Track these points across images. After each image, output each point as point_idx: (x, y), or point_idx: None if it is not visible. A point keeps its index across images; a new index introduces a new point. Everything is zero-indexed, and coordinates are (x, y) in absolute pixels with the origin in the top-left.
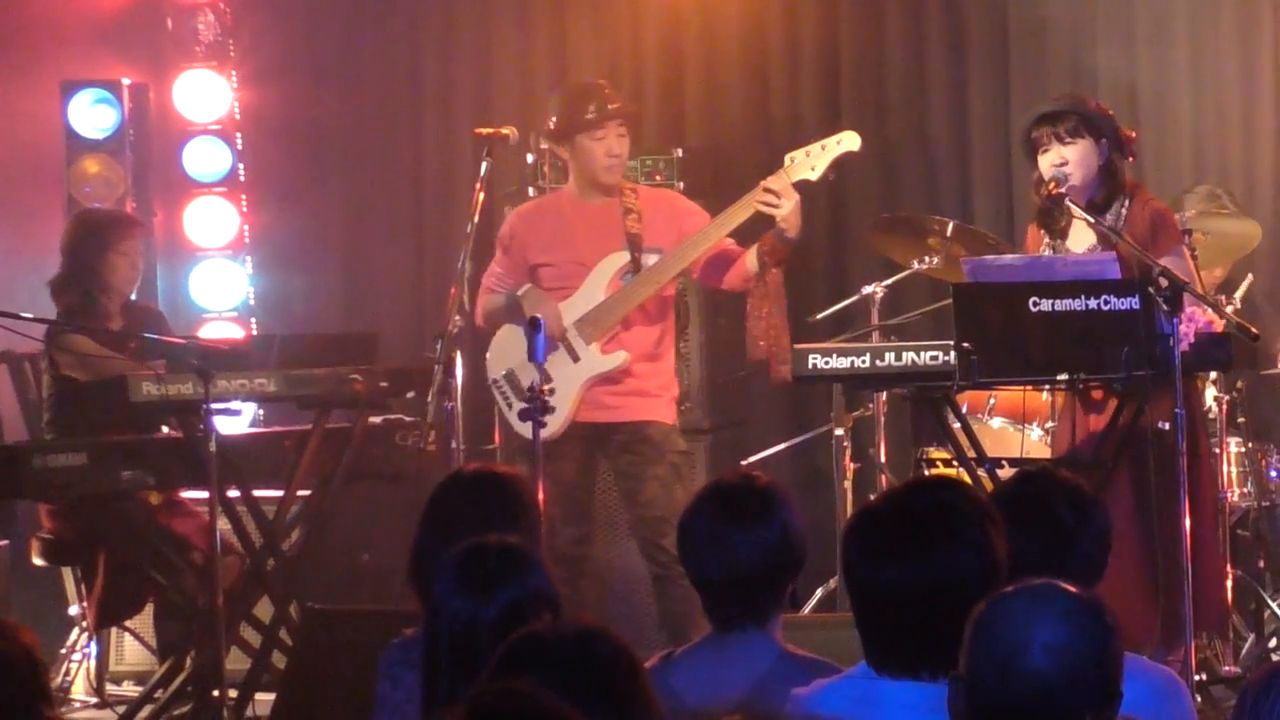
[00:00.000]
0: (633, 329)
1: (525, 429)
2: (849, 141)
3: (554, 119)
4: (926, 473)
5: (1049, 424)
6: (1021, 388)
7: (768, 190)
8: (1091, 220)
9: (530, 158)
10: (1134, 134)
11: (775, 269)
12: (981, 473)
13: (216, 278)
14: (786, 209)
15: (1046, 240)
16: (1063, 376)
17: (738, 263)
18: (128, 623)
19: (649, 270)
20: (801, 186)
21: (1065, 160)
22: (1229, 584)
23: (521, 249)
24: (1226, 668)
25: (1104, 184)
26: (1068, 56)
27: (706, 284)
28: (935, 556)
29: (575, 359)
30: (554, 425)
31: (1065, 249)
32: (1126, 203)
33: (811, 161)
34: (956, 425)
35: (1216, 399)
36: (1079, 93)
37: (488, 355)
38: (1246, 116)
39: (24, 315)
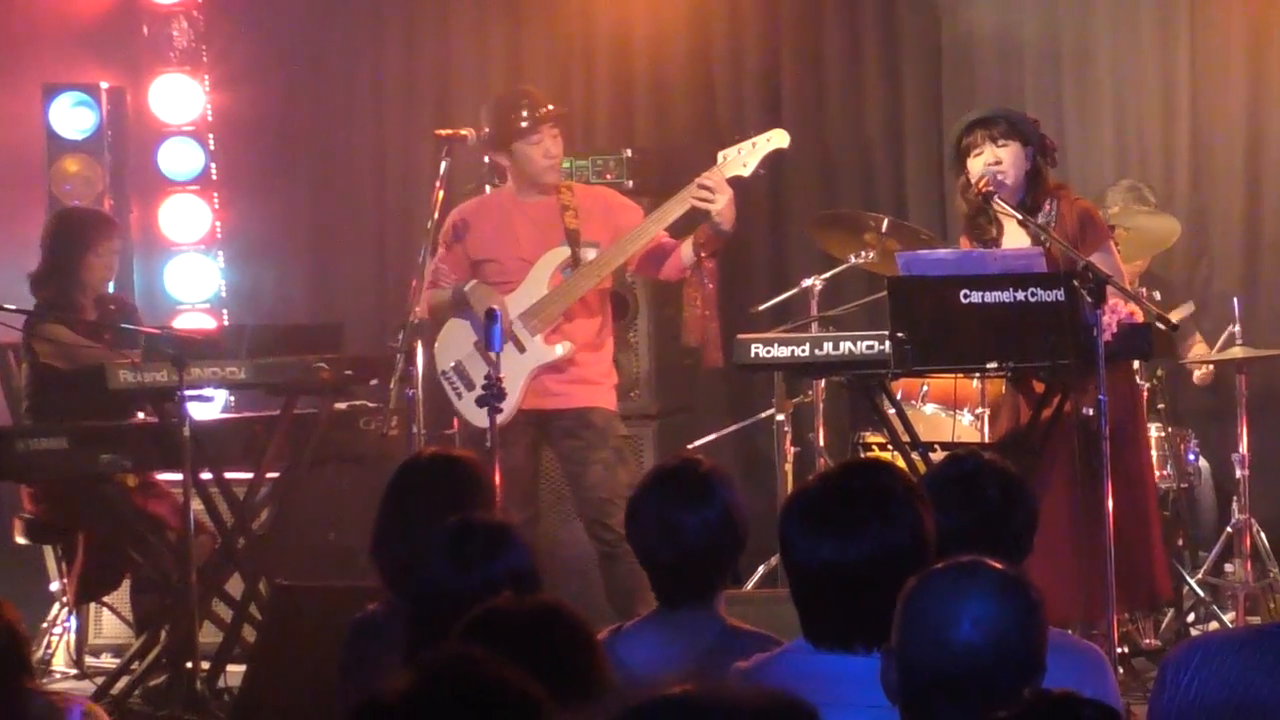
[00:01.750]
0: (575, 320)
1: (475, 418)
2: (778, 139)
3: (488, 129)
4: (862, 456)
5: (979, 410)
6: (953, 375)
7: (702, 186)
8: (1020, 217)
9: (487, 158)
10: (1055, 143)
11: (709, 259)
12: (915, 456)
13: (190, 271)
14: (721, 203)
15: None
16: (992, 365)
17: (673, 254)
18: (106, 598)
19: (590, 264)
20: (734, 182)
21: (999, 160)
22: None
23: (464, 245)
24: (1147, 641)
25: (1031, 188)
26: (996, 69)
27: (643, 276)
28: (867, 535)
29: (521, 350)
30: (503, 413)
31: None
32: (1055, 204)
33: (743, 158)
34: (891, 411)
35: (1137, 386)
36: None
37: (435, 348)
38: (1165, 117)
39: (6, 306)
